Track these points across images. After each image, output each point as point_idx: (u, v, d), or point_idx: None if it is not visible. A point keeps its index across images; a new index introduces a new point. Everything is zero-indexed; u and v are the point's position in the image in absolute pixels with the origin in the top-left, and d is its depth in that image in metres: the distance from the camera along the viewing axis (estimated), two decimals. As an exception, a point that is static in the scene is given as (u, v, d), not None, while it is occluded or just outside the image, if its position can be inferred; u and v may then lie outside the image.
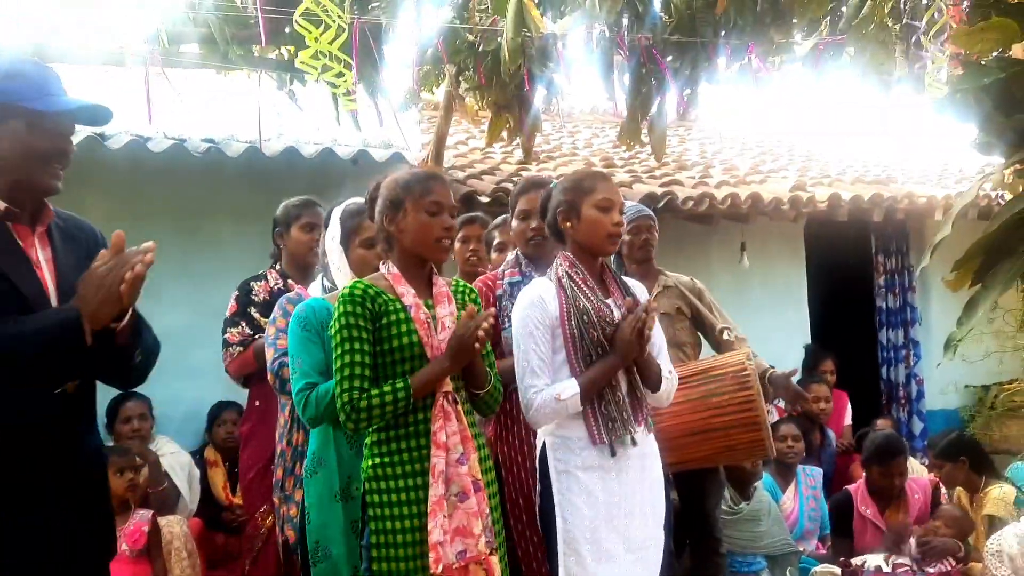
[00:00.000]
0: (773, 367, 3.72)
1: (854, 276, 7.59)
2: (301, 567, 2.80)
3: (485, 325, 2.28)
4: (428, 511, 2.21)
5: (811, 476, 4.87)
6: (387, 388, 2.26)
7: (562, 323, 2.59)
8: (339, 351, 2.29)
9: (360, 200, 2.83)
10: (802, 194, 6.31)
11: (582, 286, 2.62)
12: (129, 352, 2.07)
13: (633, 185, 5.90)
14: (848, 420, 6.09)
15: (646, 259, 3.76)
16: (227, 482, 4.72)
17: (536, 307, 2.61)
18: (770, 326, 6.49)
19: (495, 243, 3.67)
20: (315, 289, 3.01)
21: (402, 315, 2.32)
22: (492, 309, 2.44)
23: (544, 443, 2.65)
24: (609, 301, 2.65)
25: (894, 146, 9.16)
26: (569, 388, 2.54)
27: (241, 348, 3.63)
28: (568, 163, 6.70)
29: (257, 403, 3.72)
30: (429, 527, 2.20)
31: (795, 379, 3.65)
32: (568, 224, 2.67)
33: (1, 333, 1.86)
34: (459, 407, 2.34)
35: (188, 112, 4.73)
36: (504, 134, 4.50)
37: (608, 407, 2.57)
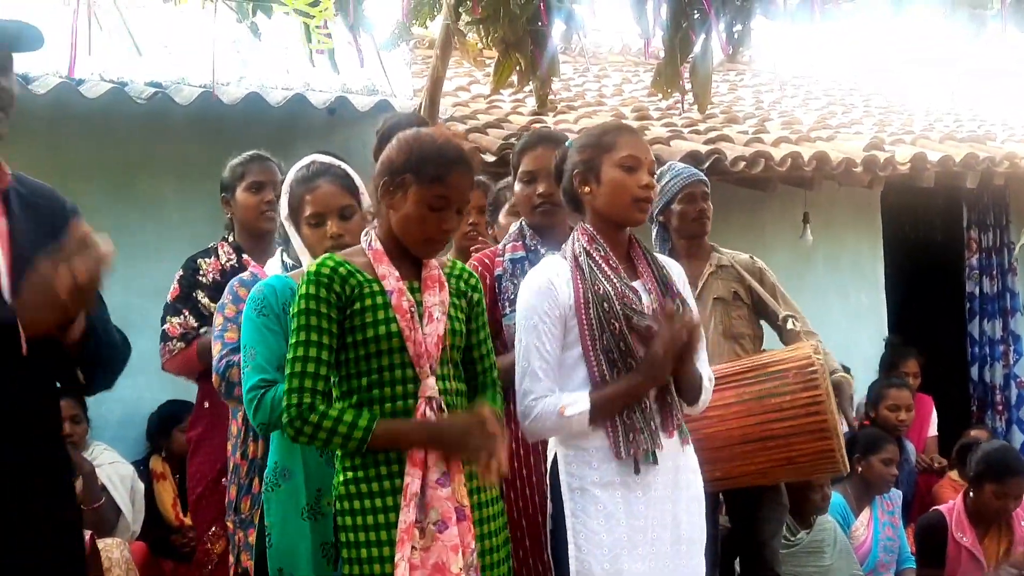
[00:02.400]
0: (845, 368, 3.71)
1: (941, 254, 7.57)
2: None
3: (492, 446, 2.25)
4: (396, 540, 2.21)
5: (888, 499, 4.88)
6: (348, 416, 2.24)
7: (578, 312, 2.56)
8: (295, 341, 2.27)
9: (320, 158, 2.80)
10: (879, 154, 6.27)
11: (603, 266, 2.60)
12: (74, 364, 2.10)
13: (672, 142, 5.87)
14: (933, 430, 6.09)
15: (701, 233, 3.74)
16: (177, 498, 4.74)
17: (544, 295, 2.58)
18: (837, 314, 6.50)
19: (507, 206, 3.63)
20: (273, 267, 2.99)
21: (380, 300, 2.29)
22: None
23: (555, 455, 2.63)
24: (636, 284, 2.63)
25: (993, 96, 9.10)
26: (577, 404, 2.52)
27: (183, 344, 3.60)
28: (593, 114, 6.67)
29: (206, 404, 3.70)
30: (396, 559, 2.20)
31: (867, 386, 3.63)
32: (586, 189, 2.64)
33: None
34: (444, 416, 2.32)
35: (129, 51, 4.72)
36: (514, 79, 4.48)
37: (632, 415, 2.55)
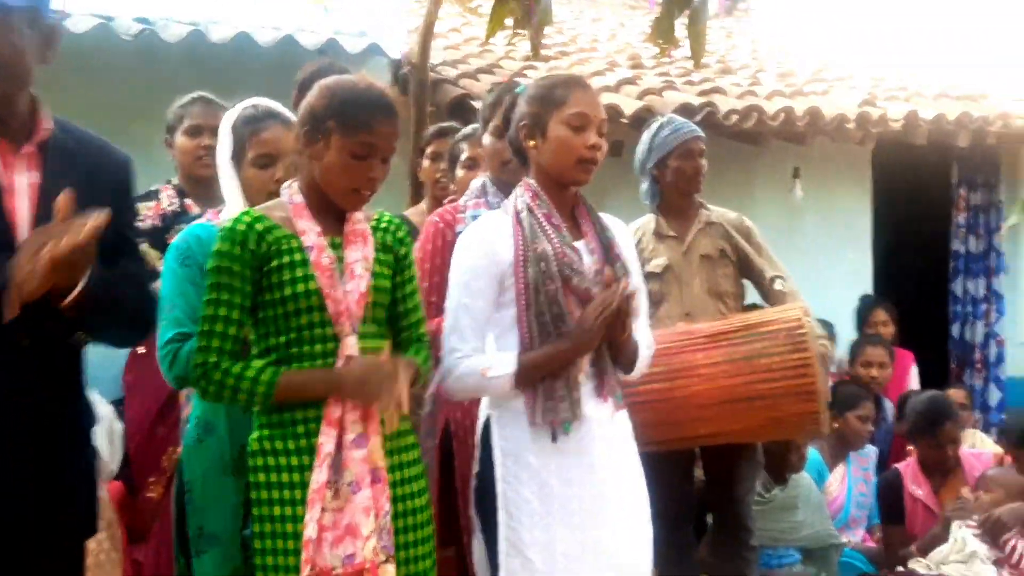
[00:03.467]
0: (827, 325, 3.74)
1: (930, 213, 7.60)
2: (176, 555, 2.69)
3: (398, 394, 2.19)
4: (308, 500, 2.18)
5: (863, 455, 4.97)
6: (250, 372, 2.20)
7: (515, 271, 2.50)
8: (207, 298, 2.23)
9: (264, 102, 2.70)
10: (872, 110, 6.29)
11: (545, 224, 2.53)
12: (71, 327, 2.11)
13: (664, 93, 5.87)
14: (914, 385, 6.16)
15: (695, 191, 3.75)
16: (156, 438, 4.78)
17: (480, 250, 2.53)
18: (825, 271, 6.53)
19: (462, 158, 3.53)
20: (230, 214, 2.93)
21: (298, 256, 2.23)
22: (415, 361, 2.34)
23: (487, 417, 2.58)
24: (579, 244, 2.57)
25: (988, 52, 9.05)
26: (502, 365, 2.47)
27: None
28: (586, 61, 6.65)
29: (141, 349, 3.66)
30: (304, 519, 2.17)
31: (846, 346, 3.68)
32: (531, 143, 2.57)
33: None
34: None
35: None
36: (509, 23, 4.44)
37: (555, 383, 2.49)
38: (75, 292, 2.01)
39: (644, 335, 2.70)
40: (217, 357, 2.21)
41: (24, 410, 2.08)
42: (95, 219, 1.94)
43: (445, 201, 3.42)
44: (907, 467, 4.76)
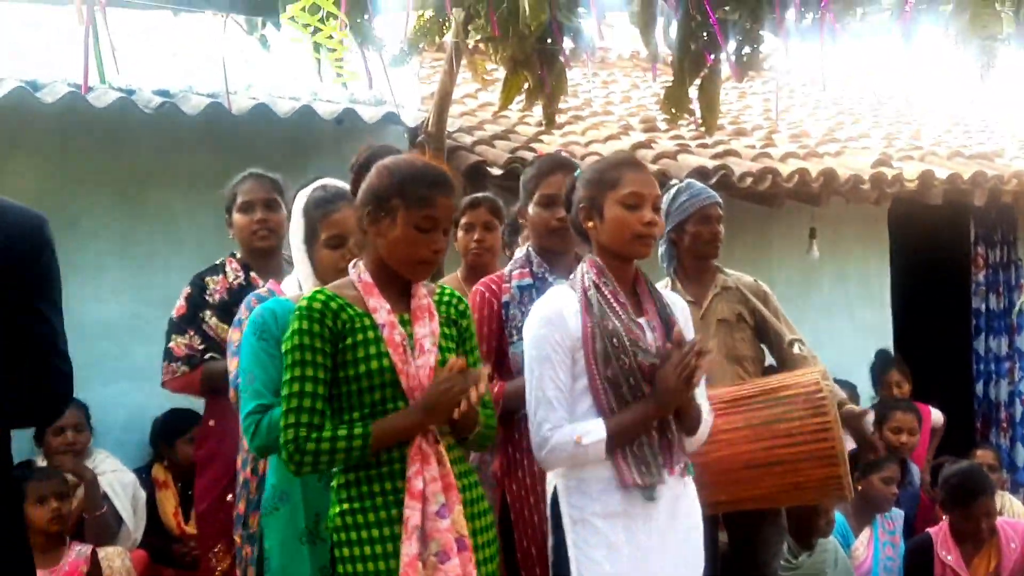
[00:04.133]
0: (849, 400, 3.75)
1: (948, 270, 7.59)
2: None
3: (473, 396, 2.27)
4: (400, 573, 2.23)
5: (890, 519, 4.92)
6: (342, 432, 2.27)
7: (585, 345, 2.61)
8: (289, 376, 2.29)
9: (332, 182, 2.83)
10: (887, 170, 6.31)
11: (612, 301, 2.64)
12: None
13: (679, 156, 5.92)
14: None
15: (712, 255, 3.79)
16: (179, 507, 4.78)
17: (554, 325, 2.63)
18: (843, 330, 6.54)
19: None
20: (291, 286, 3.00)
21: (372, 335, 2.31)
22: (486, 368, 2.42)
23: (555, 488, 2.67)
24: (642, 321, 2.68)
25: (1001, 113, 9.11)
26: (594, 432, 2.56)
27: (187, 368, 3.64)
28: (600, 126, 6.72)
29: (212, 423, 3.74)
30: None
31: (870, 414, 3.69)
32: (591, 224, 2.71)
33: None
34: (441, 447, 2.34)
35: (138, 60, 4.77)
36: (522, 93, 4.50)
37: (642, 447, 2.61)
38: None
39: (704, 401, 2.79)
40: (307, 431, 2.27)
41: None
42: None
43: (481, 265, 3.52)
44: (939, 532, 4.74)
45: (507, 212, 3.95)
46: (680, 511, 2.69)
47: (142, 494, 4.71)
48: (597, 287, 2.66)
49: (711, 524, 3.69)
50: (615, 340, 2.59)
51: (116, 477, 4.63)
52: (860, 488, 4.72)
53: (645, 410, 2.60)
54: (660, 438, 2.65)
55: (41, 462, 4.51)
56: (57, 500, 4.03)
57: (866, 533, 4.84)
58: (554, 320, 2.64)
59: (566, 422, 2.59)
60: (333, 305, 2.31)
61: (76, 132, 4.87)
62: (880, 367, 6.40)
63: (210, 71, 4.85)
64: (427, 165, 2.42)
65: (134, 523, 4.61)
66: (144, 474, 4.85)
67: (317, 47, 3.50)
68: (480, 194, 4.16)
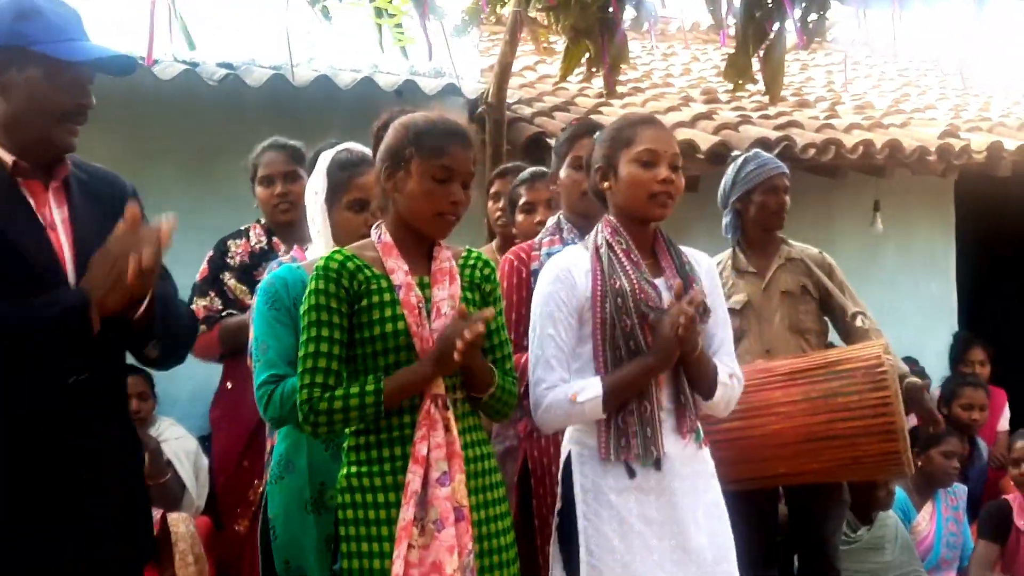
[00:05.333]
0: (911, 374, 3.71)
1: (1016, 245, 7.43)
2: None
3: (476, 330, 2.20)
4: (396, 536, 2.22)
5: (953, 494, 4.87)
6: (354, 389, 2.25)
7: (593, 305, 2.54)
8: (304, 337, 2.28)
9: (356, 146, 2.79)
10: (954, 142, 6.19)
11: (624, 260, 2.56)
12: (143, 340, 2.17)
13: (740, 127, 5.85)
14: (1005, 424, 6.04)
15: (778, 226, 3.75)
16: (242, 475, 4.86)
17: (562, 283, 2.57)
18: (907, 305, 6.44)
19: (521, 203, 3.60)
20: (316, 253, 2.94)
21: (388, 296, 2.28)
22: (489, 310, 2.32)
23: (569, 453, 2.60)
24: (658, 281, 2.58)
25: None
26: (589, 389, 2.49)
27: (205, 327, 3.65)
28: (661, 96, 6.67)
29: (229, 385, 3.79)
30: (393, 556, 2.21)
31: (940, 380, 3.64)
32: (606, 184, 2.62)
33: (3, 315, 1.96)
34: (450, 414, 2.30)
35: (202, 33, 4.81)
36: (583, 64, 4.49)
37: (627, 418, 2.51)
38: (146, 301, 2.09)
39: (729, 363, 2.70)
40: (321, 391, 2.26)
41: (84, 445, 2.13)
42: (166, 224, 2.02)
43: (516, 240, 3.48)
44: (1015, 499, 4.74)
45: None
46: (699, 486, 2.59)
47: (204, 461, 4.77)
48: (610, 245, 2.58)
49: (770, 499, 3.70)
50: (619, 300, 2.51)
51: (179, 444, 4.70)
52: (921, 463, 4.68)
53: (642, 363, 2.49)
54: (673, 402, 2.57)
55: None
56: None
57: (928, 508, 4.79)
58: (563, 278, 2.57)
59: (563, 382, 2.52)
60: (350, 266, 2.29)
61: (142, 105, 4.93)
62: (962, 345, 6.32)
63: (273, 43, 4.89)
64: (442, 117, 2.36)
65: (196, 490, 4.67)
66: (207, 442, 4.92)
67: (379, 12, 3.52)
68: (510, 163, 4.13)
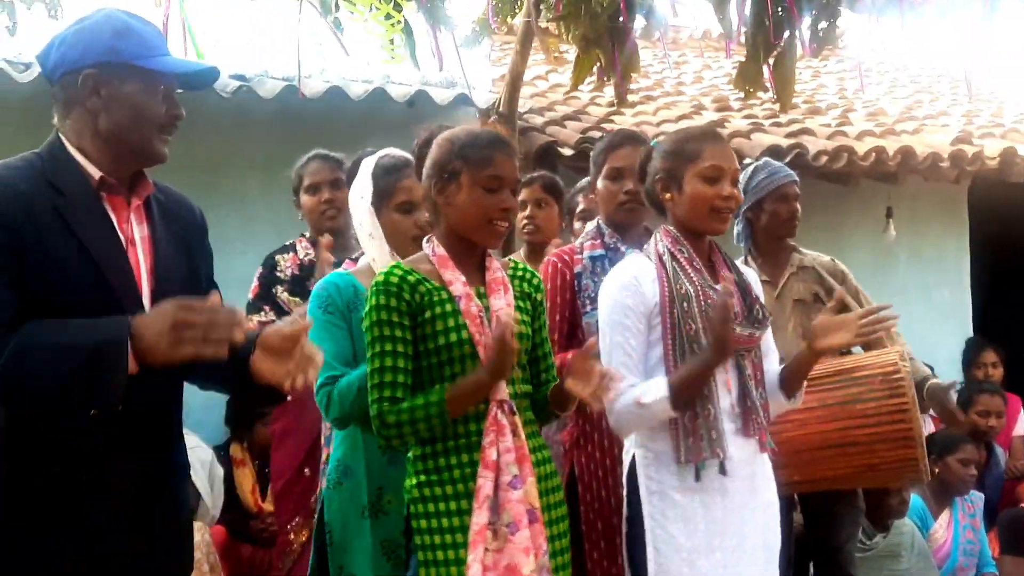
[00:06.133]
0: (934, 376, 3.70)
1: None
2: None
3: (516, 329, 2.26)
4: (470, 542, 2.24)
5: (970, 502, 4.83)
6: (419, 400, 2.29)
7: (662, 311, 2.59)
8: (371, 352, 2.32)
9: (396, 152, 2.84)
10: (967, 148, 6.18)
11: (686, 267, 2.63)
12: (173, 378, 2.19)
13: (752, 135, 5.86)
14: (1021, 430, 6.00)
15: (790, 234, 3.75)
16: (256, 485, 4.87)
17: (629, 290, 2.62)
18: (920, 312, 6.41)
19: (579, 210, 3.69)
20: (371, 255, 2.95)
21: (449, 307, 2.33)
22: (514, 316, 2.36)
23: (633, 457, 2.65)
24: (719, 287, 2.62)
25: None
26: (654, 390, 2.53)
27: None
28: (672, 106, 6.67)
29: (289, 397, 3.82)
30: (468, 560, 2.23)
31: (957, 387, 3.63)
32: (668, 195, 2.68)
33: (33, 335, 1.93)
34: (517, 419, 2.35)
35: (215, 44, 4.85)
36: (594, 73, 4.50)
37: (695, 421, 2.55)
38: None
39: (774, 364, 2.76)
40: (389, 404, 2.30)
41: (130, 465, 2.12)
42: (246, 326, 1.97)
43: (553, 247, 3.52)
44: None
45: (566, 193, 3.92)
46: (759, 487, 2.65)
47: (220, 471, 4.79)
48: (672, 254, 2.64)
49: (786, 504, 3.67)
50: (685, 305, 2.57)
51: (195, 454, 4.67)
52: (938, 470, 4.65)
53: (702, 358, 2.54)
54: (740, 405, 2.62)
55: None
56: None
57: (945, 516, 4.76)
58: (630, 285, 2.62)
59: (632, 387, 2.56)
60: (410, 279, 2.33)
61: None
62: (974, 348, 6.31)
63: (284, 55, 4.91)
64: (484, 129, 2.44)
65: (212, 499, 4.69)
66: (222, 452, 4.94)
67: (388, 17, 3.51)
68: (536, 172, 4.16)
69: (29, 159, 2.11)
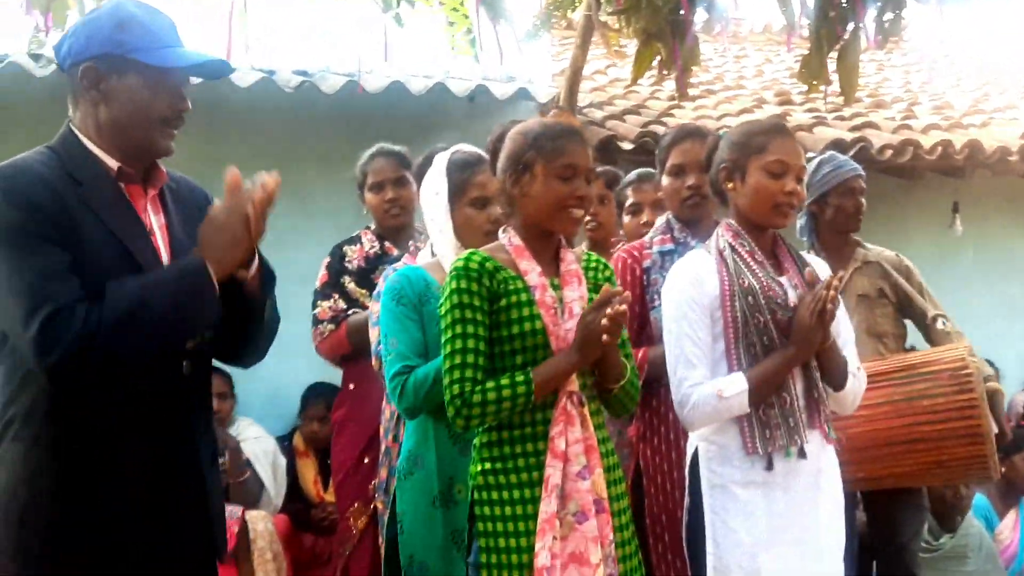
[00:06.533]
0: (992, 366, 3.63)
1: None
2: None
3: (612, 311, 2.25)
4: (537, 530, 2.26)
5: (1036, 502, 4.76)
6: (505, 381, 2.29)
7: (723, 305, 2.59)
8: (449, 335, 2.33)
9: (469, 148, 2.88)
10: (1037, 141, 6.04)
11: (749, 260, 2.62)
12: (260, 304, 2.23)
13: (815, 129, 5.79)
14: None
15: (854, 229, 3.72)
16: (318, 476, 4.93)
17: (692, 284, 2.63)
18: (985, 308, 6.31)
19: (628, 204, 3.67)
20: (439, 250, 3.00)
21: (524, 296, 2.34)
22: (626, 293, 2.37)
23: (696, 450, 2.65)
24: (783, 280, 2.64)
25: None
26: (734, 384, 2.53)
27: (333, 326, 3.78)
28: (733, 99, 6.62)
29: (352, 386, 3.87)
30: (536, 548, 2.24)
31: (1022, 384, 3.56)
32: (731, 185, 2.69)
33: (125, 288, 2.00)
34: (585, 410, 2.36)
35: (278, 40, 4.91)
36: (654, 67, 4.48)
37: (769, 411, 2.56)
38: (256, 262, 2.17)
39: (853, 359, 2.73)
40: (472, 385, 2.31)
41: (181, 439, 2.17)
42: (271, 179, 2.11)
43: (617, 244, 3.51)
44: None
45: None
46: (822, 482, 2.63)
47: (282, 460, 4.86)
48: (733, 248, 2.64)
49: (850, 501, 3.63)
50: (751, 298, 2.57)
51: (258, 444, 4.79)
52: (1003, 469, 4.56)
53: (784, 355, 2.55)
54: (806, 397, 2.61)
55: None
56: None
57: (1011, 516, 4.69)
58: (692, 279, 2.64)
59: (706, 379, 2.57)
60: (488, 266, 2.35)
61: (220, 112, 5.03)
62: None
63: (346, 50, 4.96)
64: (555, 120, 2.48)
65: (275, 488, 4.76)
66: (286, 442, 5.01)
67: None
68: (598, 167, 4.14)
69: (45, 152, 2.12)
